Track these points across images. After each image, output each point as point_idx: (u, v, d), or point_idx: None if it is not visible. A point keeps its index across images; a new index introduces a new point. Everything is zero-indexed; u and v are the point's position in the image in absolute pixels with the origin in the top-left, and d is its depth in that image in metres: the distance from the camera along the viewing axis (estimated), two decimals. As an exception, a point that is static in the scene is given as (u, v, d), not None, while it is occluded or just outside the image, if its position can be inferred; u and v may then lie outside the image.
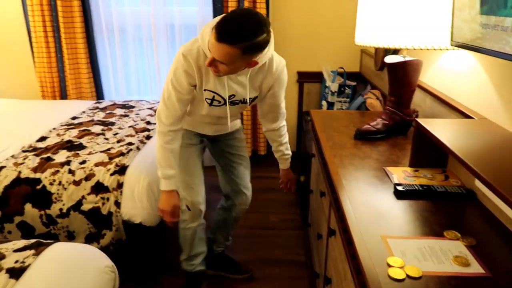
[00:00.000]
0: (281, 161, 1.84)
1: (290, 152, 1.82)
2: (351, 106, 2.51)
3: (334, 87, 2.89)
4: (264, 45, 1.26)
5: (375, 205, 1.11)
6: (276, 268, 2.13)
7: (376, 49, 2.64)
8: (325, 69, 3.06)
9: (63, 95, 3.34)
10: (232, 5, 2.90)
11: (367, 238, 0.96)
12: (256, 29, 1.21)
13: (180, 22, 3.15)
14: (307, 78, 3.25)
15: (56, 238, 1.88)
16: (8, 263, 1.22)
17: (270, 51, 1.37)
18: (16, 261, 1.23)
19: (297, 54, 3.22)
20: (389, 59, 1.53)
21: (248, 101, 1.55)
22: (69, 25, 3.11)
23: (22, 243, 1.35)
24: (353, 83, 2.89)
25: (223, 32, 1.19)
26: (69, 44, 3.16)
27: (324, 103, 3.01)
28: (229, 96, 1.51)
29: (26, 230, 1.87)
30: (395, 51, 1.62)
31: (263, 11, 2.90)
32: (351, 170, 1.32)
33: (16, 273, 1.18)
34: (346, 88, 2.88)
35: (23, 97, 3.39)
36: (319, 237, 1.73)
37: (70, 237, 1.89)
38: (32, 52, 3.25)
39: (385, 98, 2.00)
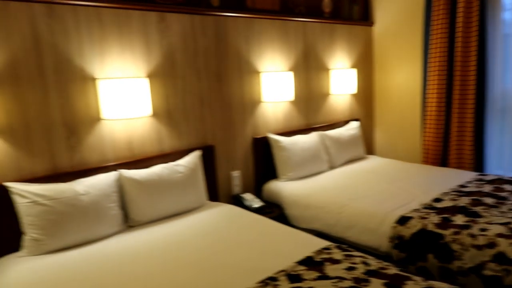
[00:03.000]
0: None
1: None
2: None
3: None
4: None
5: None
6: None
7: None
8: None
9: (443, 163, 3.67)
10: None
11: None
12: None
13: None
14: None
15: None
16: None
17: None
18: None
19: None
20: None
21: None
22: (461, 97, 3.44)
23: None
24: None
25: None
26: (458, 117, 3.47)
27: None
28: None
29: (425, 275, 2.19)
30: None
31: None
32: None
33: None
34: None
35: (404, 159, 3.96)
36: None
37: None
38: (423, 121, 3.77)
39: None
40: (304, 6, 3.54)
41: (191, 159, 2.69)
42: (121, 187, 2.37)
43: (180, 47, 2.77)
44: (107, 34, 2.42)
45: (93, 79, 2.38)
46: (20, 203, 2.02)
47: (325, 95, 3.82)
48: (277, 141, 3.22)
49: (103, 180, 2.28)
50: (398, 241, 2.31)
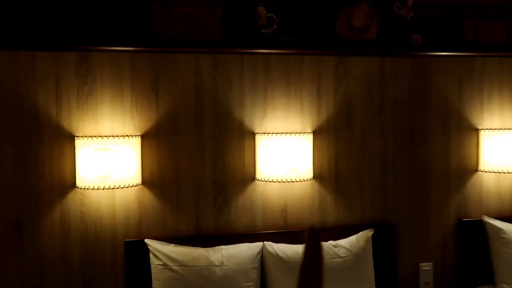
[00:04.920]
0: None
1: None
2: None
3: None
4: None
5: None
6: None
7: None
8: None
9: None
10: None
11: None
12: None
13: None
14: None
15: None
16: None
17: None
18: None
19: None
20: None
21: None
22: None
23: None
24: None
25: None
26: None
27: None
28: None
29: None
30: None
31: None
32: None
33: None
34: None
35: None
36: None
37: None
38: None
39: None
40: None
41: (358, 240, 2.06)
42: (263, 263, 1.98)
43: (361, 97, 2.23)
44: (273, 83, 2.14)
45: (252, 134, 2.12)
46: (153, 264, 1.88)
47: None
48: (498, 229, 2.21)
49: (244, 252, 1.94)
50: None
